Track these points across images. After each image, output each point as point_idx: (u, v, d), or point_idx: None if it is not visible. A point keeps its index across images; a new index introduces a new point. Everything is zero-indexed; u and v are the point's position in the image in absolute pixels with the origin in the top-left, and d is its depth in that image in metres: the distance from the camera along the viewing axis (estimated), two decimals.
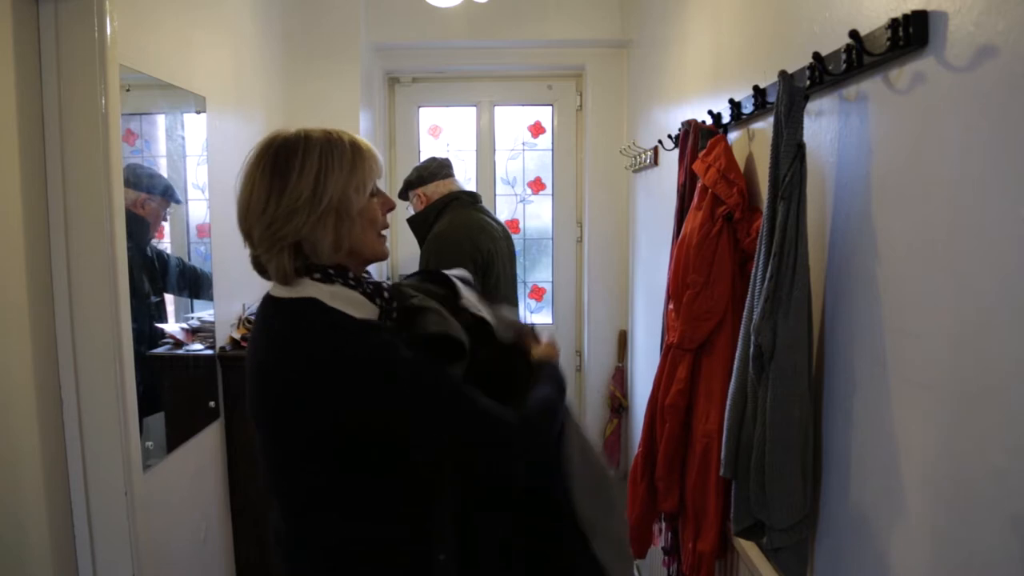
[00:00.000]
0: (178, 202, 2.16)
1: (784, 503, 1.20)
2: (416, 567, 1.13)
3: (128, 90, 1.79)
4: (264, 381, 1.11)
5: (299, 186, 1.08)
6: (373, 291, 1.15)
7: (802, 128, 1.17)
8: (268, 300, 1.15)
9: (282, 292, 1.12)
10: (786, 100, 1.16)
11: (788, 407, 1.18)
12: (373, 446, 1.07)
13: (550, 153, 3.74)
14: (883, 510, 1.06)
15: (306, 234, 1.08)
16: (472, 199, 2.59)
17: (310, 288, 1.10)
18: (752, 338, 1.21)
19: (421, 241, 2.56)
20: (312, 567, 1.23)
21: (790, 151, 1.15)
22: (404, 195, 2.64)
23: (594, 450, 1.36)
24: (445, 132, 3.74)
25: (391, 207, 1.21)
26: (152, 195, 2.01)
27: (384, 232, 1.19)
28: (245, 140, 2.60)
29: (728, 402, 1.32)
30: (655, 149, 2.65)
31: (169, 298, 2.20)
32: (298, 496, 1.21)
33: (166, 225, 2.15)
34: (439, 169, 2.60)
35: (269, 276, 1.13)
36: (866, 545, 1.11)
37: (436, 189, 2.57)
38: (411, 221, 2.61)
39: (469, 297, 1.31)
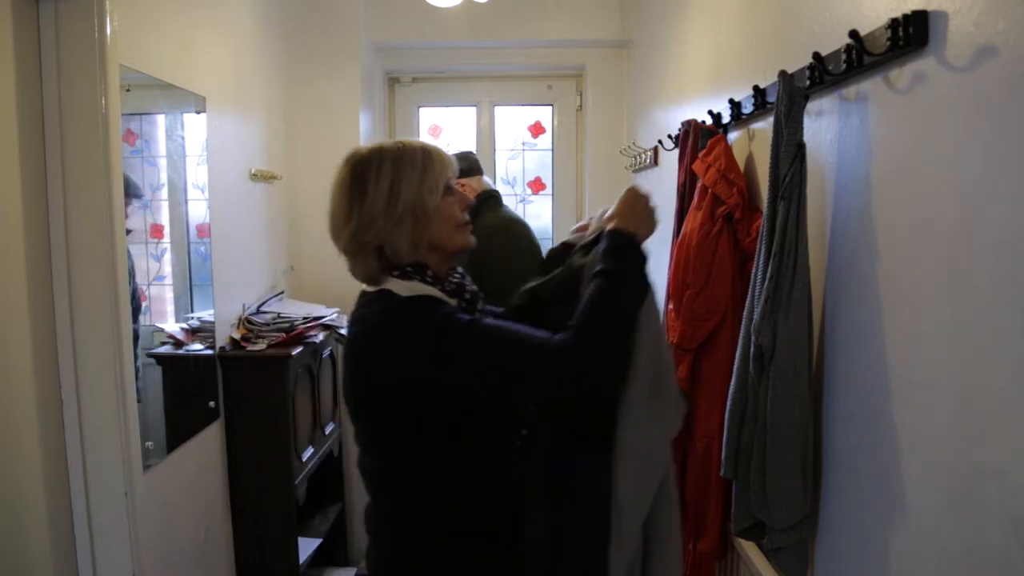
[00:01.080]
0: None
1: (784, 503, 1.20)
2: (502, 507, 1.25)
3: (128, 90, 1.79)
4: (352, 359, 1.24)
5: (376, 196, 1.21)
6: (454, 290, 1.26)
7: (802, 128, 1.17)
8: (360, 295, 1.29)
9: (369, 288, 1.27)
10: (786, 100, 1.16)
11: (788, 407, 1.18)
12: (444, 403, 1.17)
13: (550, 153, 3.73)
14: (883, 510, 1.06)
15: (386, 237, 1.21)
16: (500, 199, 2.58)
17: (391, 284, 1.23)
18: (752, 338, 1.21)
19: None
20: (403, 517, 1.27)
21: (790, 151, 1.15)
22: None
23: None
24: (445, 132, 3.74)
25: (469, 202, 1.31)
26: None
27: (466, 224, 1.29)
28: (245, 140, 2.60)
29: (728, 402, 1.32)
30: (655, 149, 2.65)
31: (169, 297, 2.20)
32: (393, 451, 1.26)
33: (165, 225, 2.15)
34: (477, 164, 2.57)
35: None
36: (866, 545, 1.11)
37: (479, 184, 2.51)
38: None
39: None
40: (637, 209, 1.27)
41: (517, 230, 2.45)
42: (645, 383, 1.23)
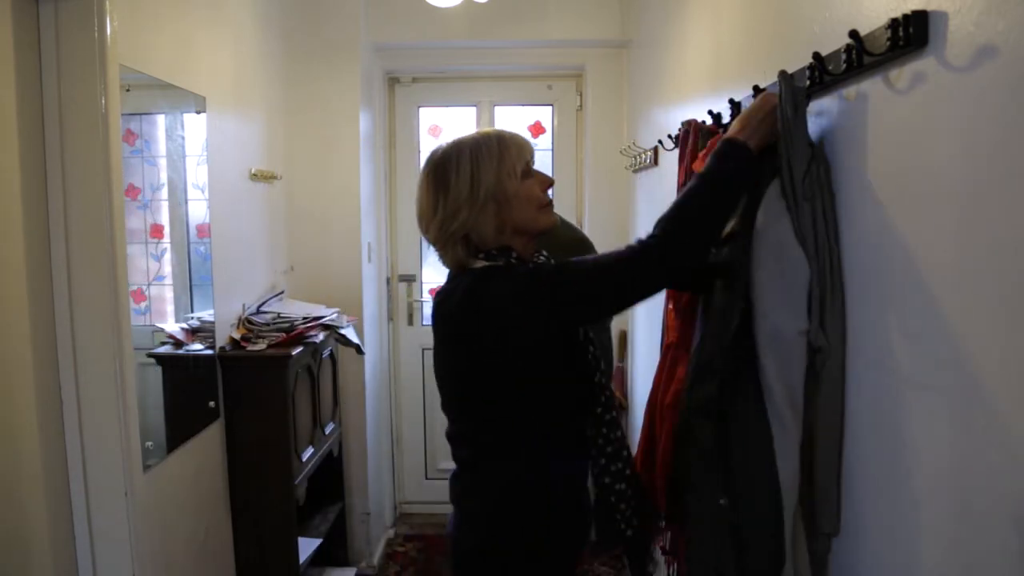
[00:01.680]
0: None
1: (826, 509, 1.18)
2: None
3: (128, 90, 1.79)
4: (452, 320, 1.34)
5: (458, 187, 1.29)
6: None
7: (807, 128, 1.17)
8: (449, 275, 1.39)
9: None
10: (791, 101, 1.16)
11: (836, 411, 1.16)
12: (543, 341, 1.30)
13: (550, 153, 3.73)
14: (883, 510, 1.06)
15: (471, 225, 1.30)
16: None
17: (477, 264, 1.32)
18: (811, 342, 1.17)
19: None
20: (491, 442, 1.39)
21: (804, 152, 1.14)
22: None
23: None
24: (445, 132, 3.74)
25: (550, 183, 1.38)
26: None
27: (548, 205, 1.37)
28: (245, 140, 2.60)
29: None
30: (655, 149, 2.65)
31: (169, 297, 2.20)
32: (490, 392, 1.36)
33: (165, 225, 2.15)
34: None
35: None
36: (865, 545, 1.11)
37: None
38: None
39: None
40: (756, 119, 1.22)
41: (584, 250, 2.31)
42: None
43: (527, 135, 3.71)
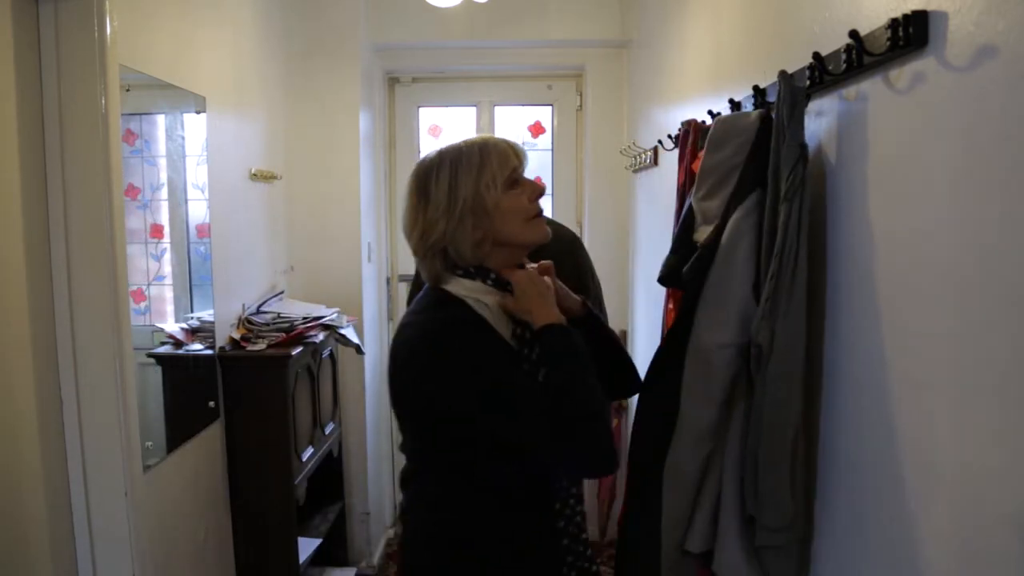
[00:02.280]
0: None
1: (772, 503, 1.20)
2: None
3: (128, 90, 1.79)
4: (392, 365, 1.28)
5: (437, 198, 1.23)
6: None
7: (803, 128, 1.17)
8: (423, 292, 1.33)
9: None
10: (788, 100, 1.16)
11: (784, 408, 1.18)
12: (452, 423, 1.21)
13: (550, 153, 3.73)
14: (882, 510, 1.06)
15: (449, 238, 1.23)
16: None
17: (452, 284, 1.27)
18: (751, 338, 1.21)
19: None
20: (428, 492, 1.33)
21: (793, 152, 1.15)
22: None
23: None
24: (445, 132, 3.74)
25: (539, 192, 1.29)
26: None
27: (536, 217, 1.29)
28: (245, 140, 2.60)
29: None
30: (655, 149, 2.65)
31: (168, 297, 2.20)
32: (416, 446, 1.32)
33: (165, 225, 2.15)
34: None
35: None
36: (865, 546, 1.11)
37: None
38: None
39: None
40: (530, 301, 1.25)
41: (578, 241, 2.17)
42: None
43: (526, 135, 3.73)
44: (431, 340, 1.21)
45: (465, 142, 1.28)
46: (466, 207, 1.22)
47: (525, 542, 1.28)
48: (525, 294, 1.25)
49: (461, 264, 1.26)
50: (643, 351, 3.03)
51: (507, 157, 1.26)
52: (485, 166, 1.24)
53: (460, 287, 1.26)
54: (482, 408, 1.17)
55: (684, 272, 1.35)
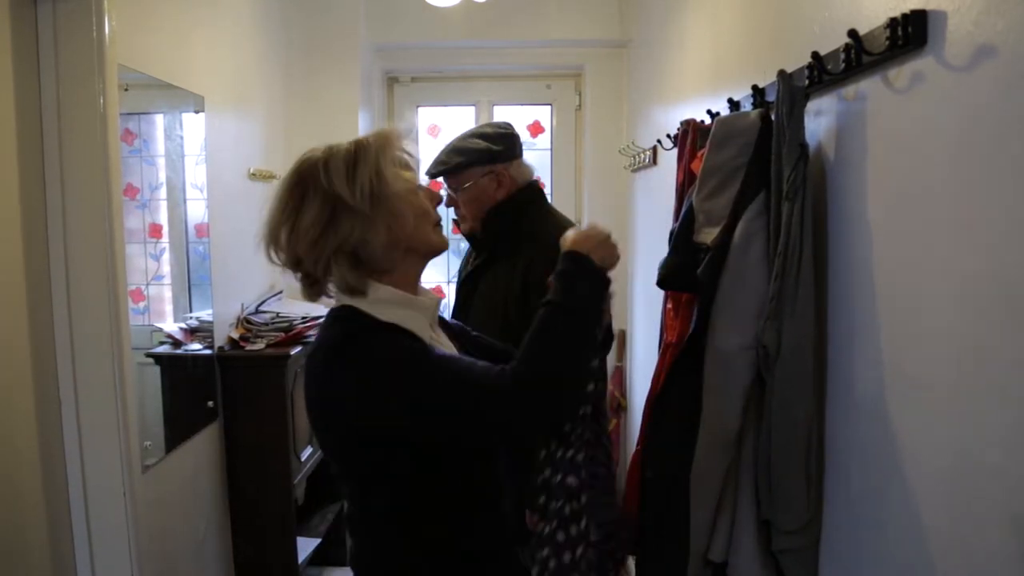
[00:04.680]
0: None
1: (788, 506, 1.19)
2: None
3: (127, 89, 1.79)
4: (310, 387, 1.16)
5: (334, 192, 1.08)
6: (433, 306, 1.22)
7: (803, 128, 1.17)
8: (327, 314, 1.18)
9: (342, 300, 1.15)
10: (788, 100, 1.16)
11: (793, 409, 1.17)
12: (399, 442, 1.10)
13: (549, 153, 3.73)
14: (883, 510, 1.06)
15: (359, 238, 1.08)
16: (544, 194, 1.97)
17: (358, 302, 1.13)
18: (758, 339, 1.20)
19: (496, 239, 1.85)
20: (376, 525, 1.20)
21: (793, 152, 1.15)
22: (462, 172, 1.84)
23: None
24: (444, 132, 3.74)
25: (437, 200, 1.21)
26: None
27: (439, 224, 1.19)
28: (244, 140, 2.60)
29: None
30: (654, 148, 2.65)
31: (167, 297, 2.20)
32: (355, 475, 1.19)
33: (164, 225, 2.15)
34: (516, 143, 1.89)
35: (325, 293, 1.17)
36: (868, 547, 1.11)
37: (521, 172, 1.86)
38: (493, 212, 1.83)
39: None
40: (594, 238, 1.18)
41: None
42: None
43: (525, 135, 3.73)
44: (356, 351, 1.09)
45: (363, 136, 1.15)
46: (373, 197, 1.08)
47: (488, 552, 1.21)
48: (593, 235, 1.16)
49: (373, 268, 1.11)
50: (643, 351, 3.03)
51: (392, 138, 1.14)
52: (385, 154, 1.11)
53: (369, 305, 1.12)
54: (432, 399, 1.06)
55: (699, 274, 1.32)
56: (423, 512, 1.15)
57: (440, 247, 1.20)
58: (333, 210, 1.08)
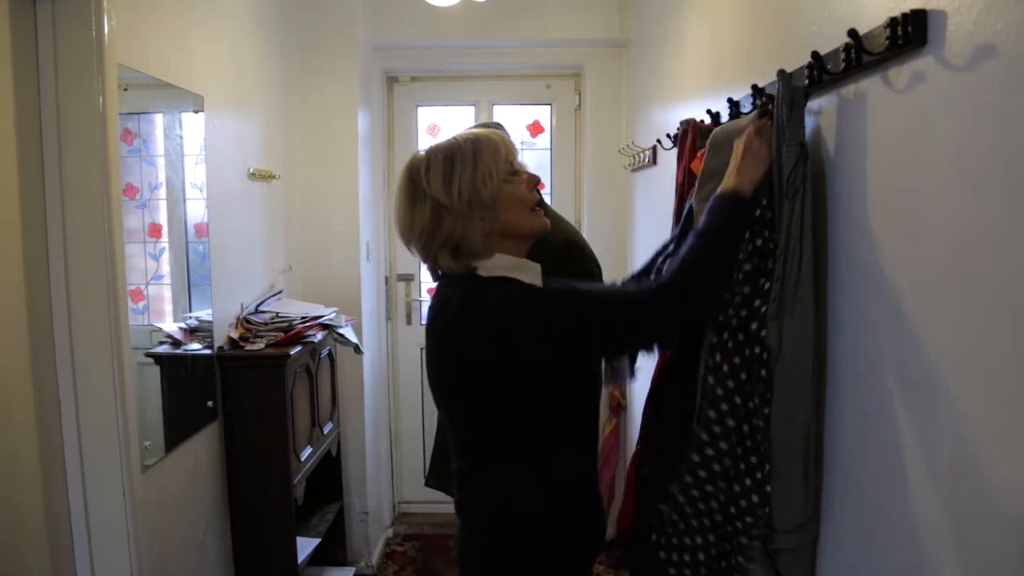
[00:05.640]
0: None
1: (785, 504, 1.20)
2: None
3: (126, 89, 1.79)
4: (448, 339, 1.28)
5: (437, 196, 1.24)
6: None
7: (803, 128, 1.17)
8: (440, 280, 1.33)
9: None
10: (787, 100, 1.16)
11: (792, 409, 1.18)
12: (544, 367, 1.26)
13: (548, 152, 3.73)
14: (884, 512, 1.06)
15: (460, 235, 1.24)
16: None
17: (475, 263, 1.27)
18: (759, 339, 1.20)
19: None
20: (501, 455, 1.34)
21: (793, 151, 1.15)
22: None
23: None
24: (443, 131, 3.74)
25: (535, 181, 1.32)
26: None
27: (537, 206, 1.31)
28: (243, 139, 2.60)
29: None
30: (654, 148, 2.65)
31: (167, 297, 2.19)
32: (491, 403, 1.31)
33: (164, 224, 2.15)
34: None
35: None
36: (868, 547, 1.11)
37: None
38: None
39: None
40: (752, 159, 1.25)
41: (575, 244, 1.85)
42: None
43: (525, 135, 3.74)
44: (491, 286, 1.24)
45: (457, 137, 1.29)
46: (470, 200, 1.22)
47: (587, 493, 1.38)
48: (756, 157, 1.23)
49: (474, 256, 1.26)
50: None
51: (499, 152, 1.27)
52: (479, 163, 1.24)
53: (485, 267, 1.27)
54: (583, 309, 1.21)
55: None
56: (549, 448, 1.31)
57: (537, 230, 1.31)
58: (438, 213, 1.24)
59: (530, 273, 1.30)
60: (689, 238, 1.26)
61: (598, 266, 1.90)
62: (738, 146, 1.27)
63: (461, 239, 1.24)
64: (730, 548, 1.27)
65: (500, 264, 1.27)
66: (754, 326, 1.21)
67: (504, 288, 1.24)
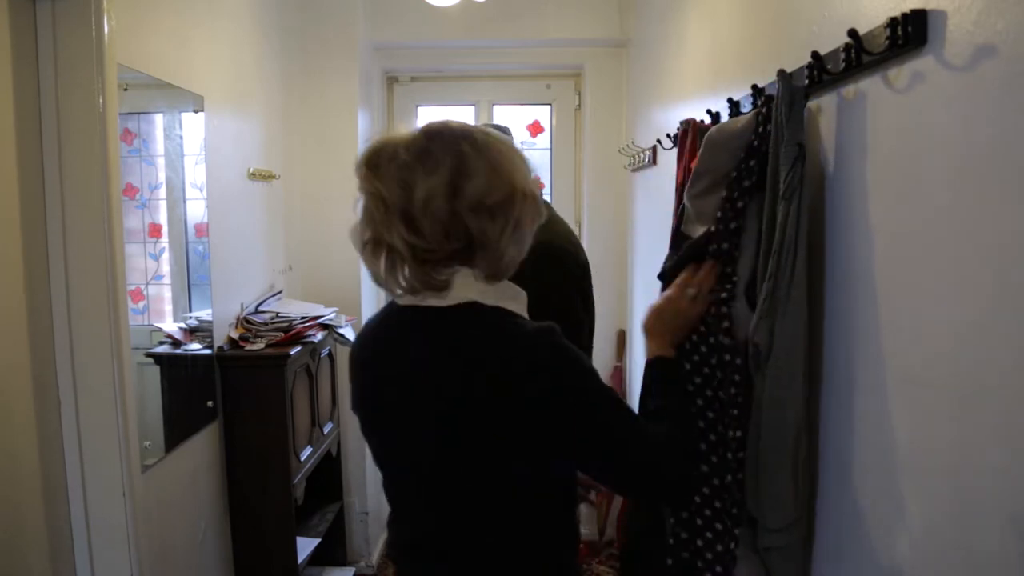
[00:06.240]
0: None
1: (775, 504, 1.20)
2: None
3: (126, 89, 1.79)
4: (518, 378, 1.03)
5: (485, 186, 1.11)
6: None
7: (803, 128, 1.17)
8: (430, 313, 1.08)
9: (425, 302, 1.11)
10: (787, 100, 1.16)
11: (783, 408, 1.18)
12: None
13: (549, 152, 3.74)
14: (881, 511, 1.06)
15: (517, 232, 1.07)
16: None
17: (469, 289, 1.06)
18: (750, 338, 1.21)
19: None
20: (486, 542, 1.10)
21: (791, 151, 1.15)
22: None
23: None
24: None
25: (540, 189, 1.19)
26: None
27: None
28: (243, 139, 2.60)
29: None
30: (654, 148, 2.65)
31: (167, 297, 2.19)
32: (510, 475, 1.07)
33: (164, 224, 2.15)
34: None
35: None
36: (864, 546, 1.11)
37: None
38: None
39: None
40: (666, 317, 1.28)
41: (557, 249, 1.70)
42: None
43: (525, 135, 3.74)
44: (568, 349, 1.02)
45: (484, 132, 1.14)
46: (526, 195, 1.04)
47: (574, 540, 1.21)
48: (677, 315, 1.25)
49: (493, 274, 1.04)
50: (642, 351, 3.03)
51: (527, 163, 1.15)
52: (524, 158, 1.12)
53: (501, 296, 1.06)
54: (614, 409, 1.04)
55: (666, 267, 1.37)
56: (563, 505, 1.14)
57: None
58: (511, 197, 1.07)
59: (522, 305, 1.10)
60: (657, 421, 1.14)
61: (580, 268, 1.78)
62: (660, 301, 1.28)
63: (504, 249, 1.02)
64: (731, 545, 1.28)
65: (504, 291, 1.07)
66: (715, 310, 1.25)
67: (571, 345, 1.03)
